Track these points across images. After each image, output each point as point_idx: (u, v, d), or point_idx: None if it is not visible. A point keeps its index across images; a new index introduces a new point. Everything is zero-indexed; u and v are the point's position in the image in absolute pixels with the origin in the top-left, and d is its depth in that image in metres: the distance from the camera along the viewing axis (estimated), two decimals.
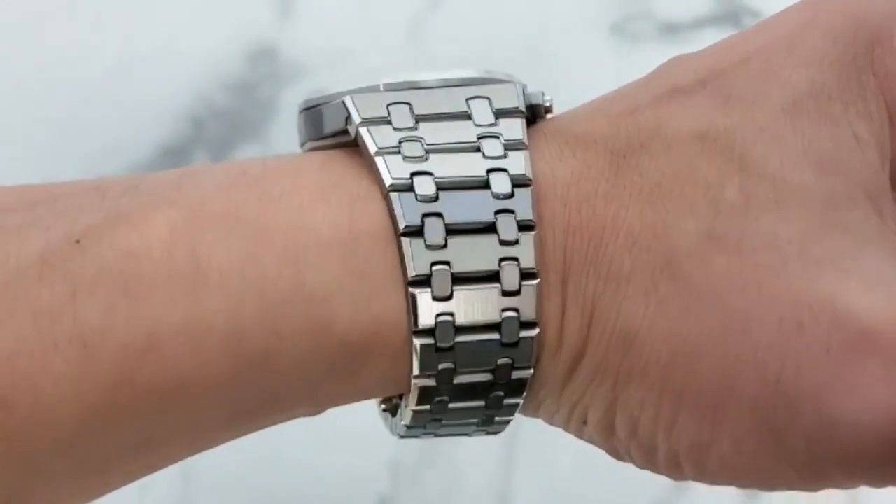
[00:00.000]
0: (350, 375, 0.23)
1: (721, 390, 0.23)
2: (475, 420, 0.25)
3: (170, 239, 0.22)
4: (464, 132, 0.24)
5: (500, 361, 0.23)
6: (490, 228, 0.23)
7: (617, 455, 0.25)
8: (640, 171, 0.23)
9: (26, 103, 0.45)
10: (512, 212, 0.23)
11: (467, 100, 0.24)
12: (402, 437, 0.26)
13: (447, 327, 0.23)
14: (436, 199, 0.23)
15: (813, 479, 0.23)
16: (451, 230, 0.23)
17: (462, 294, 0.23)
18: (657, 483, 0.44)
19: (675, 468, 0.24)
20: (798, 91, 0.23)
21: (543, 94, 0.25)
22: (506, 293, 0.23)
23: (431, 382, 0.23)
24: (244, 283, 0.22)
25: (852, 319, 0.22)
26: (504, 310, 0.23)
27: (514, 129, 0.24)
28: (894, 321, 0.22)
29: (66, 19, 0.48)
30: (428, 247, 0.23)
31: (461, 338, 0.23)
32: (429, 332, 0.23)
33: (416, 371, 0.23)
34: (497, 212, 0.23)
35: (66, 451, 0.22)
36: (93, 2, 0.48)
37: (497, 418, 0.25)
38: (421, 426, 0.25)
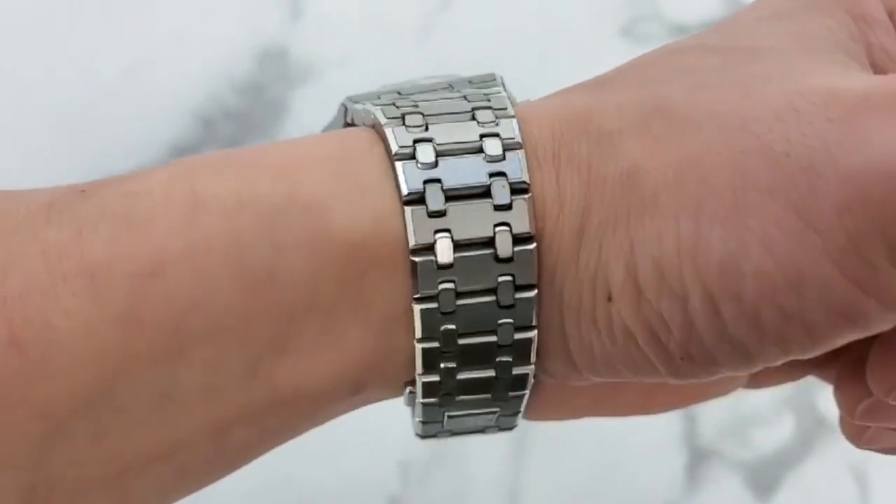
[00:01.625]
0: (356, 290, 0.23)
1: (736, 187, 0.22)
2: (490, 371, 0.24)
3: (168, 180, 0.23)
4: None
5: (500, 279, 0.23)
6: (479, 149, 0.24)
7: (657, 342, 0.23)
8: (621, 77, 0.24)
9: (37, 103, 0.46)
10: (496, 135, 0.24)
11: (450, 84, 0.25)
12: (422, 427, 0.26)
13: (446, 244, 0.23)
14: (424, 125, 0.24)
15: (855, 270, 0.21)
16: (441, 152, 0.23)
17: (456, 208, 0.23)
18: (668, 484, 0.44)
19: (714, 316, 0.22)
20: (763, 13, 0.25)
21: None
22: (491, 159, 0.23)
23: (433, 304, 0.23)
24: (241, 204, 0.23)
25: (846, 90, 0.22)
26: (491, 175, 0.23)
27: (500, 100, 0.25)
28: (887, 84, 0.22)
29: (76, 20, 0.48)
30: (420, 165, 0.23)
31: (459, 254, 0.23)
32: (428, 248, 0.23)
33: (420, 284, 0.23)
34: (483, 135, 0.24)
35: (85, 411, 0.22)
36: (104, 3, 0.48)
37: (515, 369, 0.24)
38: (435, 396, 0.24)
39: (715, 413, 0.45)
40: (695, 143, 0.22)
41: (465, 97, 0.24)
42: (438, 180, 0.23)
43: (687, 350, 0.23)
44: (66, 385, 0.22)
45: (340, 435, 0.42)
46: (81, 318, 0.22)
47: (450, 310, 0.23)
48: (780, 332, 0.22)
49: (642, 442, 0.43)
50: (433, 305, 0.23)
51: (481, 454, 0.43)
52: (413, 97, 0.25)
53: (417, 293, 0.23)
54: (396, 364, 0.24)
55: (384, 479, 0.43)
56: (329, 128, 0.27)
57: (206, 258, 0.22)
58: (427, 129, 0.23)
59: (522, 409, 0.25)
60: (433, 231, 0.23)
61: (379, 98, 0.25)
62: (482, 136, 0.24)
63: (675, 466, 0.44)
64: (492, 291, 0.23)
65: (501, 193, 0.23)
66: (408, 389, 0.24)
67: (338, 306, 0.23)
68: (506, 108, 0.24)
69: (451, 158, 0.23)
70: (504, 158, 0.23)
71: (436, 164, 0.23)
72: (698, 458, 0.44)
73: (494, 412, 0.25)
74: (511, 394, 0.25)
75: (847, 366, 0.27)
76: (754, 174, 0.22)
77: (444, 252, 0.23)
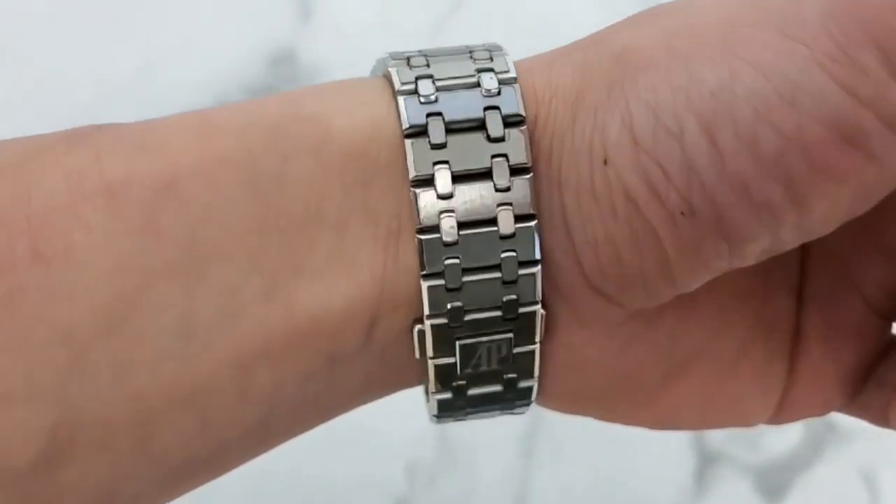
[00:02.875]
0: (362, 200, 0.23)
1: (724, 30, 0.22)
2: (497, 312, 0.24)
3: (181, 116, 0.24)
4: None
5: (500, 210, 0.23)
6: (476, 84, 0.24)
7: (656, 197, 0.23)
8: (615, 35, 0.25)
9: (48, 105, 0.46)
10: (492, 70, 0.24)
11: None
12: (435, 409, 0.26)
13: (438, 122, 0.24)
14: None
15: (847, 75, 0.21)
16: (441, 88, 0.24)
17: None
18: (677, 488, 0.44)
19: (711, 148, 0.22)
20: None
21: None
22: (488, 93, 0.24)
23: (435, 234, 0.23)
24: (249, 122, 0.24)
25: None
26: (478, 70, 0.24)
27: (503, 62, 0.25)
28: None
29: (88, 23, 0.48)
30: (421, 102, 0.24)
31: (451, 137, 0.24)
32: (421, 131, 0.24)
33: (412, 168, 0.24)
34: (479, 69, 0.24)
35: (106, 337, 0.22)
36: (114, 5, 0.48)
37: (520, 271, 0.24)
38: (443, 317, 0.24)
39: None
40: (686, 15, 0.23)
41: (471, 55, 0.25)
42: (439, 114, 0.24)
43: (688, 200, 0.22)
44: (87, 306, 0.22)
45: (348, 436, 0.42)
46: (101, 232, 0.22)
47: (452, 240, 0.23)
48: (779, 159, 0.22)
49: (651, 446, 0.43)
50: (435, 235, 0.23)
51: (489, 456, 0.43)
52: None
53: (419, 224, 0.23)
54: (405, 287, 0.24)
55: (391, 481, 0.43)
56: None
57: (218, 170, 0.23)
58: (429, 66, 0.24)
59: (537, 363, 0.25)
60: (432, 163, 0.23)
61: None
62: (478, 70, 0.24)
63: (684, 470, 0.44)
64: (492, 222, 0.24)
65: (496, 126, 0.24)
66: (416, 328, 0.24)
67: (347, 220, 0.23)
68: (507, 71, 0.24)
69: (450, 93, 0.24)
70: (500, 93, 0.24)
71: (436, 100, 0.24)
72: (707, 462, 0.44)
73: (505, 336, 0.25)
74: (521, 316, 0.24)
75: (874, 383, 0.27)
76: (740, 15, 0.22)
77: (444, 184, 0.23)
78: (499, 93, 0.24)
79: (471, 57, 0.25)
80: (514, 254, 0.24)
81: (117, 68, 0.47)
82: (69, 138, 0.24)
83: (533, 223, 0.24)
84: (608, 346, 0.25)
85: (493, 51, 0.25)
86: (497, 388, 0.25)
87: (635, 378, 0.26)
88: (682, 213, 0.22)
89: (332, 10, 0.49)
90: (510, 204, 0.23)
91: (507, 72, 0.24)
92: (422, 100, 0.24)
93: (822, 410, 0.28)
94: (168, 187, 0.23)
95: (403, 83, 0.24)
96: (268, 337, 0.23)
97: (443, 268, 0.23)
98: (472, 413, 0.26)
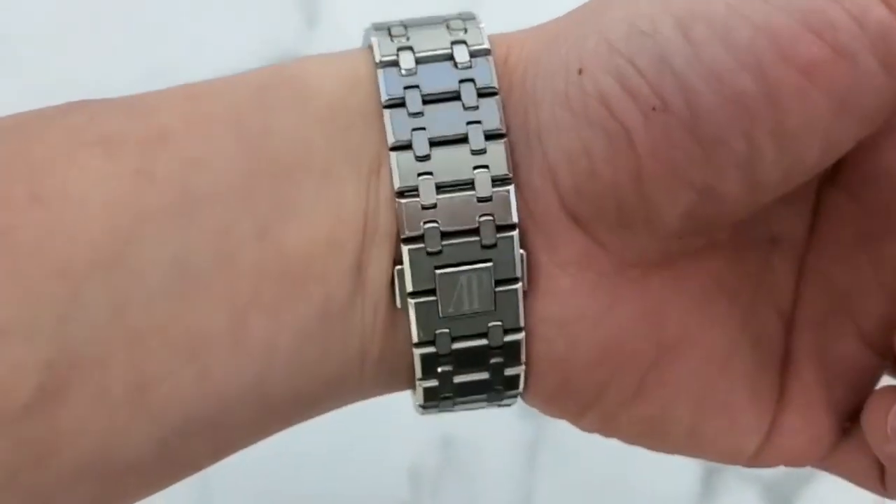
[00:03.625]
0: (343, 145, 0.25)
1: None
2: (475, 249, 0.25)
3: (167, 89, 0.25)
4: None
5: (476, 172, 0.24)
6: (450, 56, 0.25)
7: (631, 97, 0.23)
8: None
9: None
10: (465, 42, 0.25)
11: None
12: (422, 408, 0.26)
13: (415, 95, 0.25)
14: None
15: None
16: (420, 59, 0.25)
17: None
18: (683, 496, 0.44)
19: (685, 42, 0.23)
20: None
21: None
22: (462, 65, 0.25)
23: (415, 198, 0.24)
24: (234, 84, 0.25)
25: None
26: (453, 43, 0.25)
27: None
28: None
29: (93, 29, 0.48)
30: (392, 38, 0.25)
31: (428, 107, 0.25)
32: (399, 103, 0.25)
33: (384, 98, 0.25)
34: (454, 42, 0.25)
35: (103, 273, 0.23)
36: (121, 12, 0.49)
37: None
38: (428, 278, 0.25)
39: None
40: None
41: (447, 26, 0.26)
42: (417, 86, 0.25)
43: (659, 93, 0.23)
44: (83, 242, 0.23)
45: (352, 442, 0.42)
46: (96, 174, 0.23)
47: (431, 203, 0.24)
48: (750, 47, 0.22)
49: (657, 454, 0.43)
50: (415, 199, 0.24)
51: (493, 463, 0.43)
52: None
53: (398, 186, 0.24)
54: (387, 219, 0.25)
55: (395, 487, 0.43)
56: None
57: (207, 124, 0.24)
58: (408, 39, 0.25)
59: (522, 318, 0.25)
60: (410, 129, 0.24)
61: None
62: (453, 42, 0.25)
63: (691, 478, 0.44)
64: (469, 184, 0.24)
65: (470, 96, 0.25)
66: (396, 268, 0.25)
67: (331, 164, 0.24)
68: (481, 44, 0.25)
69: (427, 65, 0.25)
70: (472, 66, 0.25)
71: (415, 72, 0.25)
72: (713, 470, 0.44)
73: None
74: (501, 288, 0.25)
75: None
76: None
77: (421, 147, 0.24)
78: (471, 66, 0.25)
79: (447, 27, 0.26)
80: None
81: (125, 74, 0.47)
82: (63, 107, 0.25)
83: (510, 187, 0.24)
84: (593, 302, 0.25)
85: (467, 20, 0.26)
86: (484, 375, 0.25)
87: (621, 350, 0.25)
88: (654, 109, 0.23)
89: (338, 17, 0.49)
90: (486, 167, 0.24)
91: (480, 44, 0.25)
92: (403, 73, 0.25)
93: (811, 446, 0.27)
94: (160, 138, 0.24)
95: (384, 55, 0.25)
96: (260, 277, 0.24)
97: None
98: (459, 403, 0.26)
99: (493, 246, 0.24)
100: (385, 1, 0.51)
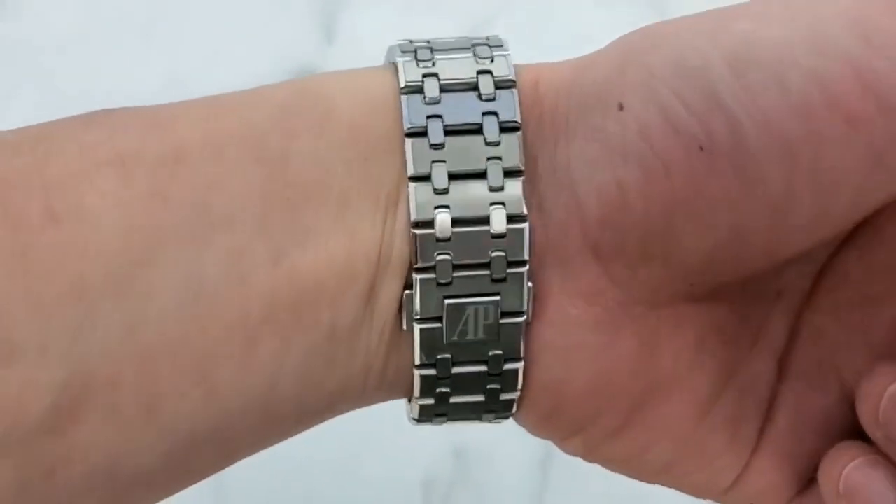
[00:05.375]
0: (363, 173, 0.24)
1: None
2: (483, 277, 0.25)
3: (190, 100, 0.25)
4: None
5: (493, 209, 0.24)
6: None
7: (674, 131, 0.23)
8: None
9: None
10: (490, 72, 0.25)
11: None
12: (416, 421, 0.26)
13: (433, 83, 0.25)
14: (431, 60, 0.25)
15: (865, 27, 0.23)
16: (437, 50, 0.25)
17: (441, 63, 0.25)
18: None
19: (736, 82, 0.23)
20: None
21: None
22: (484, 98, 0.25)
23: (430, 230, 0.24)
24: (255, 101, 0.25)
25: None
26: (479, 73, 0.25)
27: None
28: None
29: (113, 41, 0.49)
30: (419, 62, 0.25)
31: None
32: (421, 132, 0.24)
33: (406, 126, 0.24)
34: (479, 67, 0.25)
35: (117, 294, 0.23)
36: (141, 23, 0.49)
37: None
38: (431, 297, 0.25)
39: None
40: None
41: (474, 53, 0.26)
42: (440, 116, 0.24)
43: (708, 132, 0.23)
44: (98, 263, 0.23)
45: (364, 454, 0.42)
46: (112, 196, 0.23)
47: (446, 236, 0.24)
48: (802, 95, 0.22)
49: None
50: (430, 231, 0.24)
51: (505, 475, 0.43)
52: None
53: (415, 217, 0.24)
54: (401, 252, 0.25)
55: (408, 498, 0.43)
56: None
57: (225, 143, 0.24)
58: (434, 65, 0.25)
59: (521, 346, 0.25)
60: (430, 161, 0.24)
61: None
62: (479, 72, 0.25)
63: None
64: (485, 220, 0.24)
65: (492, 131, 0.24)
66: (405, 293, 0.25)
67: (348, 192, 0.24)
68: (507, 75, 0.25)
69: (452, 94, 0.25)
70: (496, 98, 0.25)
71: (438, 101, 0.25)
72: None
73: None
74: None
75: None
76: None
77: (440, 180, 0.24)
78: (494, 98, 0.25)
79: (474, 54, 0.25)
80: (501, 207, 0.24)
81: (143, 87, 0.48)
82: (85, 119, 0.25)
83: (524, 225, 0.24)
84: (594, 337, 0.25)
85: (494, 47, 0.25)
86: (479, 398, 0.25)
87: (614, 384, 0.25)
88: (701, 148, 0.23)
89: (356, 30, 0.49)
90: (503, 203, 0.24)
91: (506, 76, 0.25)
92: (426, 100, 0.24)
93: (773, 492, 0.27)
94: (176, 159, 0.24)
95: (409, 81, 0.25)
96: (272, 302, 0.24)
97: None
98: (452, 420, 0.26)
99: (503, 280, 0.24)
100: (402, 16, 0.51)
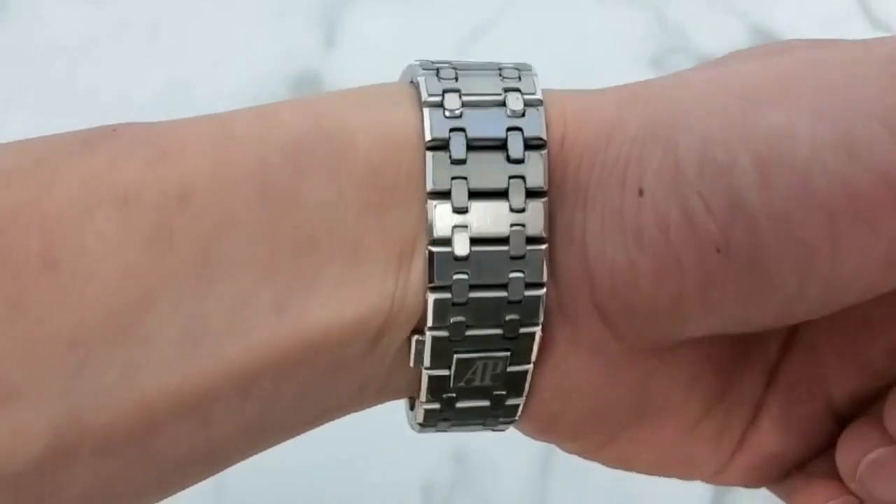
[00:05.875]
0: (378, 220, 0.23)
1: (781, 77, 0.23)
2: (498, 329, 0.24)
3: (195, 119, 0.24)
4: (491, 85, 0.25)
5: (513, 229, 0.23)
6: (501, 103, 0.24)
7: (691, 229, 0.22)
8: (663, 79, 0.25)
9: (76, 122, 0.46)
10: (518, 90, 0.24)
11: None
12: (422, 423, 0.26)
13: (460, 138, 0.23)
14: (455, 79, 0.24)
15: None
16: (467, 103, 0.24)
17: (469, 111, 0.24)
18: None
19: (761, 185, 0.22)
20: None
21: None
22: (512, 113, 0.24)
23: (447, 248, 0.23)
24: (265, 132, 0.23)
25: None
26: (506, 90, 0.24)
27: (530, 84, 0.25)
28: None
29: (116, 45, 0.49)
30: (446, 115, 0.24)
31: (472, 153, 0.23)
32: (442, 145, 0.23)
33: (427, 135, 0.23)
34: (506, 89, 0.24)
35: (114, 339, 0.22)
36: (144, 27, 0.49)
37: (526, 292, 0.24)
38: (441, 318, 0.24)
39: None
40: (736, 63, 0.24)
41: (500, 73, 0.25)
42: (463, 129, 0.23)
43: (727, 236, 0.22)
44: (96, 309, 0.22)
45: (364, 457, 0.42)
46: (113, 240, 0.22)
47: (462, 300, 0.23)
48: (827, 201, 0.22)
49: None
50: (447, 296, 0.23)
51: (505, 479, 0.43)
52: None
53: (432, 236, 0.23)
54: (414, 304, 0.24)
55: (408, 502, 0.43)
56: None
57: (233, 182, 0.23)
58: (457, 80, 0.24)
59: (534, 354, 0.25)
60: (450, 177, 0.23)
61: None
62: (506, 90, 0.24)
63: (702, 495, 0.44)
64: (504, 241, 0.23)
65: (517, 147, 0.23)
66: (415, 338, 0.24)
67: (361, 239, 0.23)
68: (534, 93, 0.24)
69: (475, 110, 0.24)
70: (524, 115, 0.24)
71: (461, 115, 0.24)
72: (723, 491, 0.44)
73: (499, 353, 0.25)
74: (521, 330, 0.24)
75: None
76: (797, 71, 0.23)
77: (460, 197, 0.23)
78: (523, 114, 0.24)
79: (500, 75, 0.24)
80: (521, 274, 0.24)
81: (145, 90, 0.48)
82: (87, 140, 0.24)
83: (543, 247, 0.24)
84: (595, 379, 0.25)
85: (522, 70, 0.25)
86: (485, 402, 0.25)
87: (608, 416, 0.26)
88: (718, 250, 0.22)
89: (356, 34, 0.49)
90: (523, 225, 0.23)
91: (533, 93, 0.24)
92: (447, 113, 0.24)
93: (752, 485, 0.28)
94: (181, 199, 0.23)
95: (431, 94, 0.24)
96: (277, 348, 0.23)
97: (451, 282, 0.23)
98: (455, 426, 0.26)
99: (514, 338, 0.24)
100: (403, 19, 0.51)
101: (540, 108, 0.24)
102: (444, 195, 0.23)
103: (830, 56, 0.23)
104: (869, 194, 0.22)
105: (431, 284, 0.23)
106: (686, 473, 0.28)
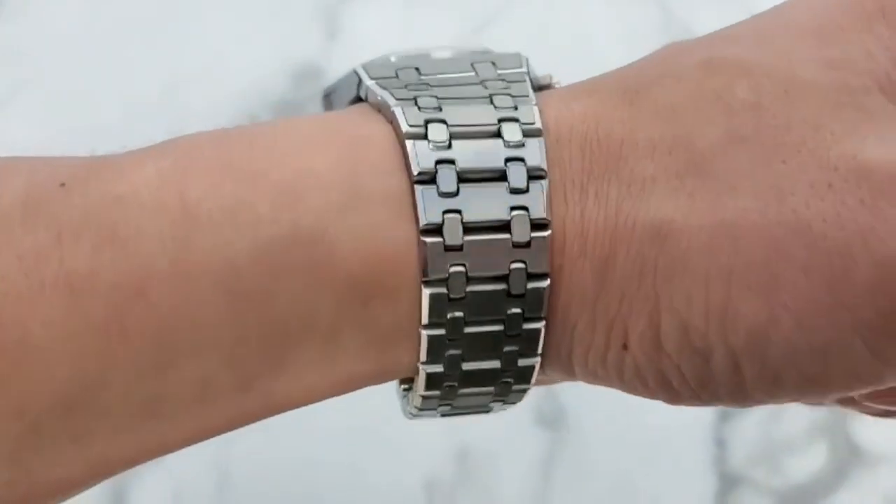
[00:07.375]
0: (359, 314, 0.22)
1: (770, 260, 0.22)
2: (496, 362, 0.24)
3: (158, 183, 0.21)
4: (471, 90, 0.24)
5: (513, 266, 0.23)
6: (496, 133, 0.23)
7: (667, 388, 0.24)
8: (652, 99, 0.24)
9: (74, 124, 0.46)
10: (523, 160, 0.23)
11: (472, 63, 0.25)
12: (416, 412, 0.26)
13: (456, 219, 0.23)
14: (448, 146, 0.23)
15: (882, 346, 0.22)
16: (464, 178, 0.23)
17: (469, 190, 0.23)
18: None
19: (734, 373, 0.23)
20: (802, 27, 0.24)
21: (551, 77, 0.26)
22: (514, 191, 0.23)
23: (442, 289, 0.23)
24: (236, 226, 0.21)
25: (877, 168, 0.22)
26: (513, 208, 0.23)
27: (522, 88, 0.24)
28: None
29: (115, 41, 0.49)
30: (441, 194, 0.22)
31: (471, 236, 0.23)
32: (437, 230, 0.22)
33: (422, 221, 0.22)
34: (508, 159, 0.23)
35: (65, 412, 0.21)
36: (143, 23, 0.49)
37: (520, 361, 0.24)
38: (438, 389, 0.24)
39: (746, 439, 0.44)
40: (730, 208, 0.22)
41: (483, 84, 0.24)
42: (452, 161, 0.23)
43: (697, 395, 0.24)
44: (43, 384, 0.21)
45: (366, 456, 0.42)
46: (60, 327, 0.21)
47: (459, 296, 0.23)
48: (797, 390, 0.23)
49: (671, 467, 0.43)
50: (442, 290, 0.23)
51: (508, 476, 0.43)
52: (430, 79, 0.24)
53: (426, 277, 0.22)
54: (396, 375, 0.24)
55: (410, 500, 0.43)
56: (336, 93, 0.27)
57: (196, 280, 0.21)
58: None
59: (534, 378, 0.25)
60: (442, 211, 0.22)
61: (397, 76, 0.24)
62: (500, 119, 0.23)
63: (705, 493, 0.44)
64: (503, 279, 0.23)
65: (518, 178, 0.23)
66: (402, 387, 0.24)
67: (339, 331, 0.22)
68: (527, 95, 0.24)
69: (465, 141, 0.23)
70: (524, 145, 0.23)
71: (449, 145, 0.23)
72: (728, 485, 0.44)
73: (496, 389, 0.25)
74: (515, 387, 0.25)
75: None
76: (790, 251, 0.22)
77: (454, 234, 0.22)
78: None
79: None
80: (519, 310, 0.24)
81: (144, 86, 0.48)
82: (26, 203, 0.21)
83: (546, 283, 0.23)
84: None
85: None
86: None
87: None
88: (689, 398, 0.24)
89: (358, 27, 0.49)
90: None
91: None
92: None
93: None
94: (137, 293, 0.21)
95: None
96: (239, 418, 0.23)
97: (443, 360, 0.23)
98: (459, 405, 0.25)
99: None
100: (404, 13, 0.51)
101: (545, 236, 0.23)
102: (441, 281, 0.23)
103: (828, 228, 0.22)
104: (839, 389, 0.23)
105: (422, 361, 0.23)
106: None
